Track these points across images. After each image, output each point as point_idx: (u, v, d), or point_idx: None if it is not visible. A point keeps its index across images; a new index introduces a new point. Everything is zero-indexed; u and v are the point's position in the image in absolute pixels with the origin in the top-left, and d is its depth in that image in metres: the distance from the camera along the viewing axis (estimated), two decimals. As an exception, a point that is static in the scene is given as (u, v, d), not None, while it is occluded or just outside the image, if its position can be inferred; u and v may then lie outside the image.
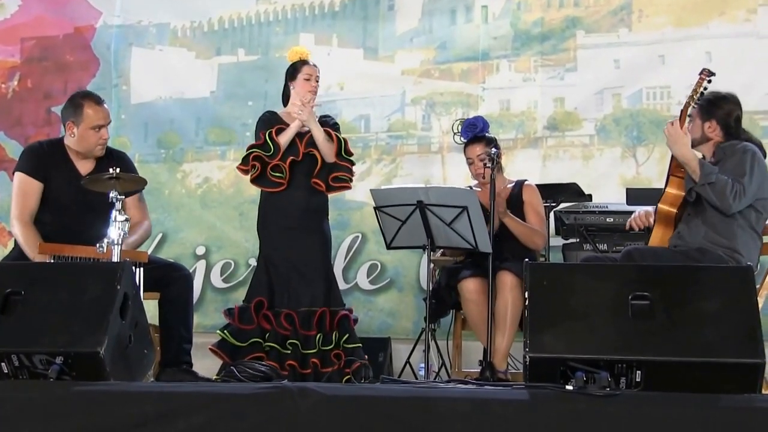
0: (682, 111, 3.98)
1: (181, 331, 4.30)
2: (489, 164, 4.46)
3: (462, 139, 4.74)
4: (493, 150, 4.50)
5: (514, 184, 4.79)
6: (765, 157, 4.05)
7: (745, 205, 3.90)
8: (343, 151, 4.64)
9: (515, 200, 4.69)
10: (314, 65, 4.74)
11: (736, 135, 4.06)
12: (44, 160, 4.36)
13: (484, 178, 4.56)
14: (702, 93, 3.99)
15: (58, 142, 4.44)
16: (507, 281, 4.35)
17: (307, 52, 4.80)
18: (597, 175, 5.73)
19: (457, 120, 4.92)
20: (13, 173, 4.43)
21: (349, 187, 4.78)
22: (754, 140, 4.09)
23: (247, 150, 4.65)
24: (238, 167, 4.73)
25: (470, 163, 4.69)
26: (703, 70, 3.97)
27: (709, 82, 3.95)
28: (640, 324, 2.95)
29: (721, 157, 4.00)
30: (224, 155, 6.39)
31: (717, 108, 4.06)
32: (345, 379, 4.45)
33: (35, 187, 4.31)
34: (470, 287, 4.41)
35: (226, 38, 6.58)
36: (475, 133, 4.69)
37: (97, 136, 4.31)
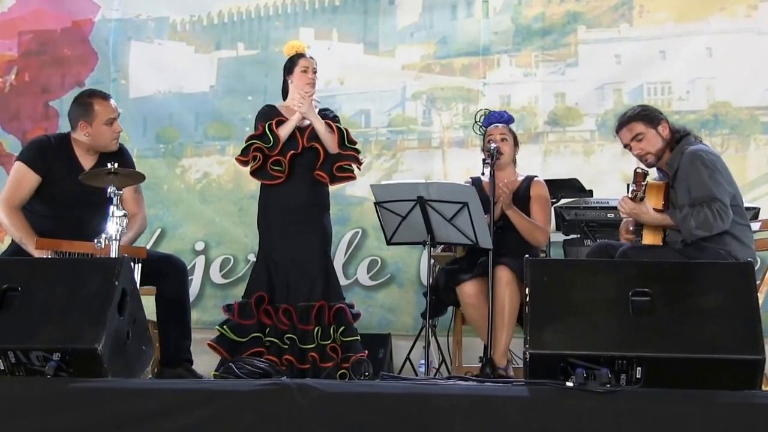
0: (635, 192, 3.94)
1: (178, 327, 4.29)
2: (488, 160, 4.46)
3: (483, 128, 4.75)
4: (493, 146, 4.51)
5: (523, 178, 4.77)
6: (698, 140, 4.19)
7: (730, 210, 3.92)
8: (345, 140, 4.63)
9: (522, 195, 4.67)
10: (311, 57, 4.72)
11: (672, 125, 4.20)
12: (48, 154, 4.36)
13: (498, 155, 4.51)
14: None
15: (65, 137, 4.45)
16: (503, 277, 4.33)
17: (303, 46, 4.79)
18: (598, 171, 5.72)
19: (481, 110, 4.89)
20: (16, 161, 4.43)
21: (353, 178, 4.74)
22: (679, 126, 4.20)
23: (246, 141, 4.64)
24: (237, 158, 4.71)
25: (489, 141, 4.61)
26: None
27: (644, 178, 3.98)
28: (640, 320, 2.95)
29: (675, 166, 4.07)
30: (224, 150, 6.37)
31: (655, 111, 4.22)
32: (339, 373, 4.43)
33: (32, 179, 4.31)
34: (469, 291, 4.40)
35: (225, 32, 6.55)
36: (503, 119, 4.76)
37: (110, 130, 4.39)
